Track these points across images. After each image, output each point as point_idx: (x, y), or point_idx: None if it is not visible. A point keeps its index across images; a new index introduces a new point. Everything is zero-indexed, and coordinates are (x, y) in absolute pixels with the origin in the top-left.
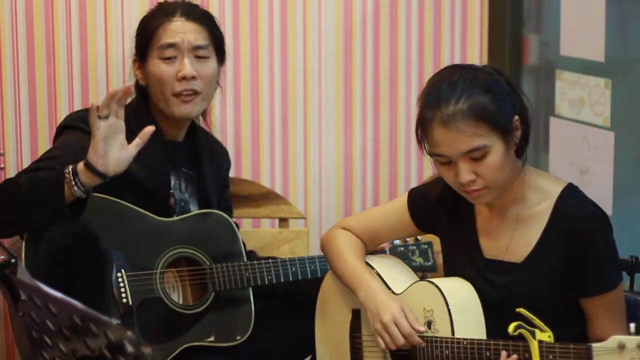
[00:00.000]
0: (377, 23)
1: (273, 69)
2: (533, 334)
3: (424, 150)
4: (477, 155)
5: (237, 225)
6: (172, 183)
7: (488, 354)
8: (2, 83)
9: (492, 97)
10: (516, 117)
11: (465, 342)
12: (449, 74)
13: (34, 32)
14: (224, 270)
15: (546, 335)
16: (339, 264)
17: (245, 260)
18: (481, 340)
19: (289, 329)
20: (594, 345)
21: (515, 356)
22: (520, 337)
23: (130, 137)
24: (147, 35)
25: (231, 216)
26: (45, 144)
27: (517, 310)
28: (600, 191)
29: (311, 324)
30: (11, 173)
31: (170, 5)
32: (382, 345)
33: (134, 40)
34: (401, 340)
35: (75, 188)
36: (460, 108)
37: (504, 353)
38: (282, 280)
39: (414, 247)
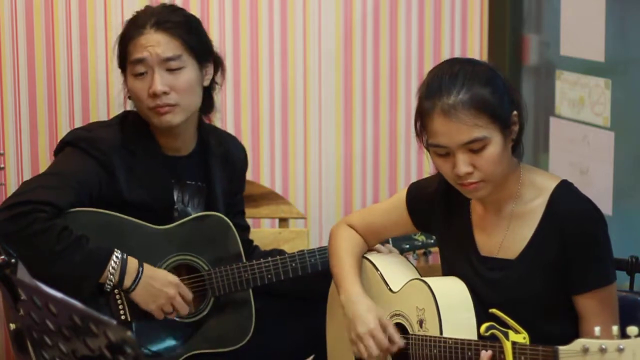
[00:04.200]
0: (377, 23)
1: (273, 69)
2: (506, 335)
3: (423, 143)
4: (476, 147)
5: (248, 227)
6: (175, 197)
7: (470, 353)
8: (2, 83)
9: (492, 89)
10: (515, 112)
11: (450, 342)
12: (449, 66)
13: (34, 32)
14: (222, 274)
15: (521, 337)
16: (332, 261)
17: (245, 260)
18: (464, 340)
19: (293, 327)
20: (560, 348)
21: (490, 352)
22: (497, 338)
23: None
24: (122, 51)
25: (244, 218)
26: (45, 144)
27: (490, 310)
28: (600, 191)
29: (316, 321)
30: (11, 173)
31: (144, 15)
32: (357, 354)
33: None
34: (375, 352)
35: (109, 283)
36: (462, 99)
37: (483, 352)
38: (283, 277)
39: None
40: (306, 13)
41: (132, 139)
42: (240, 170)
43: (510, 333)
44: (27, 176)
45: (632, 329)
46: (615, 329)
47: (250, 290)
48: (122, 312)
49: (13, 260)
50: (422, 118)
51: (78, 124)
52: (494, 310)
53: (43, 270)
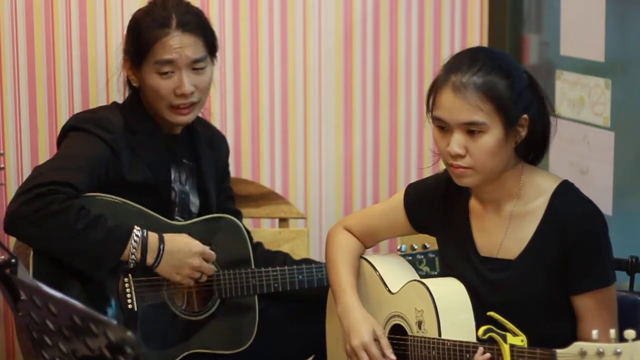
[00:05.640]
0: (377, 23)
1: (273, 69)
2: (504, 338)
3: (429, 116)
4: (473, 129)
5: (244, 228)
6: (173, 176)
7: (468, 355)
8: (2, 83)
9: (509, 83)
10: (525, 116)
11: (449, 344)
12: (476, 51)
13: (34, 32)
14: (230, 277)
15: (519, 339)
16: (329, 269)
17: (253, 266)
18: (462, 342)
19: (294, 330)
20: (558, 351)
21: (488, 354)
22: (495, 340)
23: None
24: (142, 46)
25: (234, 204)
26: (45, 144)
27: (488, 313)
28: (600, 191)
29: (317, 324)
30: (11, 173)
31: (163, 11)
32: None
33: (126, 39)
34: None
35: (132, 258)
36: (475, 80)
37: (480, 349)
38: (289, 288)
39: (422, 257)
40: (306, 13)
41: (132, 118)
42: (224, 156)
43: (509, 336)
44: (27, 176)
45: (629, 333)
46: (612, 332)
47: (255, 296)
48: (129, 300)
49: (13, 260)
50: (435, 89)
51: None
52: (491, 314)
53: (63, 251)
